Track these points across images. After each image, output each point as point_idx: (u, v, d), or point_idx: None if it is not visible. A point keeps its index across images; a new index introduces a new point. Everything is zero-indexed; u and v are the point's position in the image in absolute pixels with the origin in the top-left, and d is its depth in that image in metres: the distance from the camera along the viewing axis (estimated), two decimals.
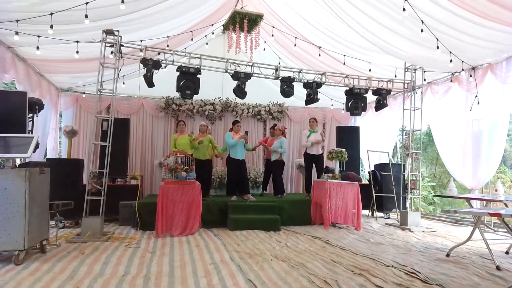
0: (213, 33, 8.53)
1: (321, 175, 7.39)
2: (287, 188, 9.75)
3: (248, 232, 6.17)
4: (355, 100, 7.56)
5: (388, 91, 7.75)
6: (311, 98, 7.40)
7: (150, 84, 6.25)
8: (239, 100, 9.63)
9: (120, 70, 6.15)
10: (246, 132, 7.58)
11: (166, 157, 6.48)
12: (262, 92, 9.78)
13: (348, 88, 7.64)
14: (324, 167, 7.69)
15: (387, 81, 7.88)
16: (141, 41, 6.73)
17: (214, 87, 9.59)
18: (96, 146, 6.89)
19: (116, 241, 5.32)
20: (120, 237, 5.57)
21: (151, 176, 9.43)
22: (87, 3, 5.27)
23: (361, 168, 10.25)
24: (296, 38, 7.87)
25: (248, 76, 6.78)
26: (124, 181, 8.00)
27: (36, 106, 5.89)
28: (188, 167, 6.19)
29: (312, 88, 7.29)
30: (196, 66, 6.45)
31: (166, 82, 7.96)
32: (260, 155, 9.91)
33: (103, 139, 6.21)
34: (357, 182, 7.04)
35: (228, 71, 6.80)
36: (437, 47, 5.88)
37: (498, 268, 4.13)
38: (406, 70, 7.68)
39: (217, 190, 8.92)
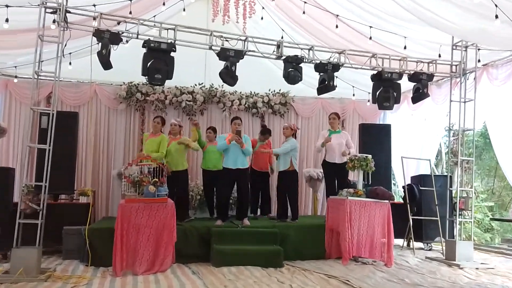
0: None
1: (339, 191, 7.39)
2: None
3: (239, 269, 6.12)
4: (385, 89, 7.55)
5: (430, 76, 7.76)
6: (325, 85, 7.39)
7: (106, 65, 6.19)
8: (228, 88, 9.58)
9: (65, 46, 6.10)
10: (238, 132, 7.47)
11: (128, 166, 6.44)
12: (259, 76, 9.77)
13: (375, 72, 7.62)
14: None
15: (428, 63, 7.89)
16: (94, 5, 6.70)
17: (194, 69, 9.56)
18: (32, 150, 6.82)
19: (59, 282, 5.26)
20: (64, 276, 5.51)
21: (107, 191, 9.39)
22: None
23: (393, 182, 10.26)
24: (305, 3, 7.86)
25: (240, 54, 6.75)
26: (70, 199, 7.92)
27: None
28: (157, 179, 6.15)
29: (327, 72, 7.28)
30: (169, 41, 6.41)
31: (128, 63, 7.88)
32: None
33: (42, 141, 6.16)
34: (387, 201, 7.03)
35: (213, 47, 6.78)
36: (496, 16, 5.88)
37: None
38: (454, 47, 7.70)
39: (197, 212, 8.89)
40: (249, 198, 7.64)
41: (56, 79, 5.93)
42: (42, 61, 6.05)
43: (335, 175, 7.93)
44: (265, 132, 8.59)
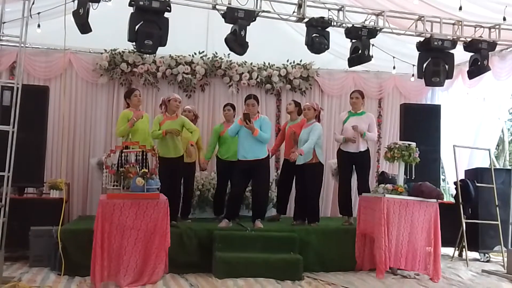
0: None
1: (366, 187, 7.40)
2: None
3: (247, 282, 6.18)
4: (435, 60, 7.52)
5: (492, 45, 7.71)
6: (358, 56, 7.37)
7: (84, 28, 6.23)
8: (235, 58, 9.61)
9: (33, 3, 6.13)
10: (247, 115, 7.45)
11: (110, 153, 6.48)
12: (275, 44, 9.78)
13: (422, 39, 7.58)
14: (377, 173, 7.72)
15: (489, 28, 7.83)
16: None
17: (194, 34, 9.57)
18: None
19: None
20: (31, 287, 5.55)
21: (85, 184, 9.46)
22: None
23: (442, 176, 10.24)
24: None
25: (251, 16, 6.75)
26: (39, 193, 8.01)
27: None
28: (147, 170, 6.20)
29: (361, 38, 7.26)
30: None
31: (110, 26, 7.93)
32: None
33: (4, 121, 6.22)
34: (435, 200, 7.03)
35: (218, 6, 6.78)
36: None
37: None
38: None
39: (195, 210, 8.95)
40: (264, 196, 7.67)
41: (22, 45, 5.96)
42: (3, 23, 6.08)
43: (350, 168, 7.95)
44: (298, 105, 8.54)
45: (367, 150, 7.92)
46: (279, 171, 9.30)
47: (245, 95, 9.70)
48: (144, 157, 6.40)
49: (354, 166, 7.97)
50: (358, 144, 7.82)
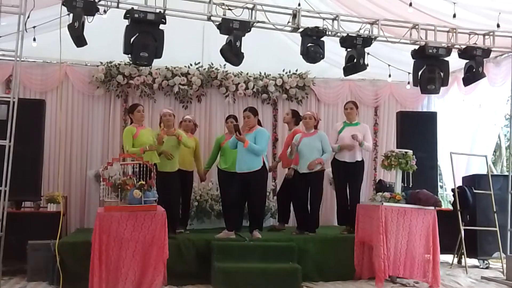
0: None
1: (357, 197, 7.43)
2: None
3: None
4: (430, 67, 7.54)
5: (486, 52, 7.73)
6: (354, 64, 7.38)
7: (79, 40, 6.23)
8: (231, 68, 9.63)
9: (28, 17, 6.14)
10: (236, 126, 7.46)
11: (108, 165, 6.48)
12: (271, 54, 9.79)
13: (417, 47, 7.61)
14: (376, 181, 7.73)
15: (483, 35, 7.86)
16: None
17: (189, 46, 9.60)
18: None
19: None
20: None
21: (82, 197, 9.46)
22: None
23: (440, 183, 10.25)
24: None
25: (246, 26, 6.76)
26: (37, 207, 8.00)
27: None
28: (144, 182, 6.20)
29: (356, 47, 7.27)
30: (157, 10, 6.44)
31: (106, 38, 7.94)
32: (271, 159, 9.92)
33: (0, 135, 6.23)
34: (432, 207, 7.04)
35: (213, 18, 6.80)
36: None
37: None
38: None
39: (193, 221, 8.94)
40: (260, 207, 7.69)
41: (18, 58, 5.99)
42: (0, 37, 6.11)
43: (346, 177, 7.98)
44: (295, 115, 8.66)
45: (362, 161, 7.97)
46: (276, 181, 9.32)
47: (241, 105, 9.86)
48: (142, 169, 6.40)
49: (347, 175, 7.98)
50: (354, 153, 7.86)
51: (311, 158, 7.72)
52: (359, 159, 7.91)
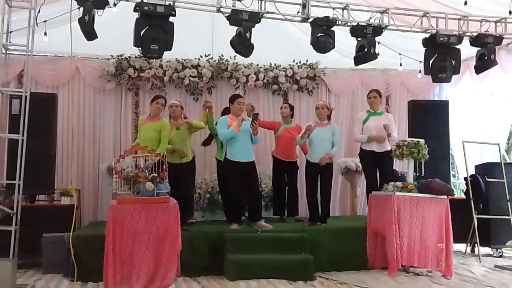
0: None
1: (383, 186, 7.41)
2: None
3: (260, 283, 6.21)
4: (441, 56, 7.51)
5: (498, 39, 7.70)
6: (364, 54, 7.37)
7: (90, 34, 6.26)
8: (241, 60, 9.63)
9: (39, 12, 6.17)
10: (256, 116, 7.51)
11: (120, 158, 6.51)
12: (281, 44, 9.77)
13: (428, 35, 7.57)
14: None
15: (495, 22, 7.81)
16: None
17: (199, 38, 9.59)
18: (2, 141, 6.95)
19: None
20: None
21: (95, 190, 9.53)
22: None
23: (452, 172, 10.21)
24: None
25: (255, 17, 6.77)
26: (50, 200, 8.07)
27: None
28: (156, 175, 6.22)
29: (367, 36, 7.26)
30: (167, 3, 6.45)
31: (116, 31, 7.94)
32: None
33: (13, 129, 6.27)
34: (445, 196, 7.02)
35: (222, 9, 6.80)
36: None
37: None
38: None
39: (205, 213, 8.97)
40: (261, 196, 7.86)
41: (29, 53, 6.01)
42: (10, 32, 6.13)
43: (375, 167, 7.93)
44: (292, 109, 8.68)
45: (390, 150, 7.89)
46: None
47: (252, 96, 9.83)
48: (154, 161, 6.42)
49: (378, 164, 7.93)
50: (384, 143, 7.82)
51: (321, 148, 7.70)
52: (388, 148, 7.79)
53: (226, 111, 7.95)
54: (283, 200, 8.70)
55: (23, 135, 5.88)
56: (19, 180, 5.85)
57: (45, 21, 7.92)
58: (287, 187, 8.60)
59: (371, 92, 8.14)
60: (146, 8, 6.33)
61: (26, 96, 5.92)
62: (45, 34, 8.15)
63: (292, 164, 8.52)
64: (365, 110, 8.20)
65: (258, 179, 7.74)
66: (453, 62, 7.53)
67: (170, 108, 7.75)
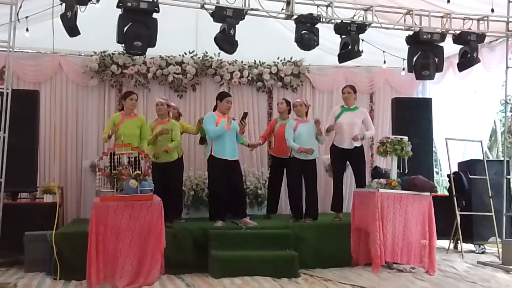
0: None
1: (363, 182, 7.44)
2: None
3: (244, 280, 6.20)
4: (424, 53, 7.56)
5: (481, 37, 7.75)
6: (348, 51, 7.40)
7: (72, 30, 6.22)
8: (225, 56, 9.62)
9: (20, 7, 6.13)
10: (245, 114, 7.56)
11: (103, 155, 6.49)
12: (265, 41, 9.77)
13: (411, 33, 7.61)
14: (371, 168, 7.74)
15: (478, 20, 7.87)
16: None
17: (183, 34, 9.59)
18: None
19: None
20: None
21: (78, 188, 9.47)
22: None
23: (435, 169, 10.28)
24: None
25: (239, 14, 6.76)
26: (32, 198, 8.01)
27: None
28: (139, 172, 6.20)
29: (350, 34, 7.29)
30: None
31: (99, 27, 7.91)
32: (264, 147, 9.93)
33: None
34: (428, 193, 7.07)
35: (206, 6, 6.79)
36: None
37: None
38: None
39: (190, 210, 8.96)
40: (245, 193, 7.91)
41: (10, 49, 5.96)
42: None
43: (344, 164, 8.02)
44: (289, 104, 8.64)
45: (362, 146, 7.94)
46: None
47: (236, 93, 9.84)
48: (137, 159, 6.41)
49: (349, 162, 8.02)
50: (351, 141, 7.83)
51: (309, 145, 7.71)
52: (358, 144, 7.83)
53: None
54: (277, 198, 8.78)
55: (4, 132, 5.84)
56: (1, 177, 5.81)
57: (26, 17, 7.86)
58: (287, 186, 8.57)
59: (345, 88, 8.16)
60: (129, 4, 6.29)
61: (7, 93, 5.89)
62: (27, 30, 8.08)
63: (289, 160, 8.43)
64: (339, 105, 8.22)
65: (242, 177, 7.75)
66: (436, 59, 7.59)
67: (156, 106, 7.76)
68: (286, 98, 9.11)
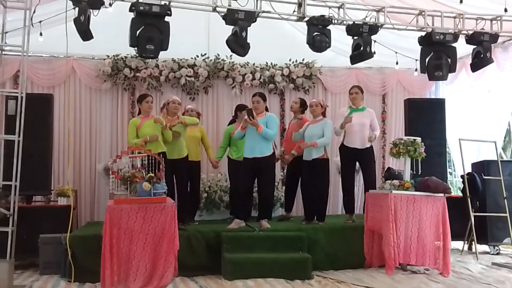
0: None
1: (373, 183, 7.41)
2: None
3: (257, 282, 6.21)
4: (437, 54, 7.53)
5: (494, 37, 7.72)
6: (360, 52, 7.39)
7: (85, 34, 6.26)
8: (237, 59, 9.63)
9: (34, 12, 6.17)
10: (250, 110, 7.42)
11: (117, 158, 6.52)
12: (277, 44, 9.78)
13: (424, 34, 7.59)
14: (384, 169, 7.73)
15: (491, 20, 7.83)
16: None
17: (195, 37, 9.60)
18: None
19: None
20: None
21: (92, 191, 9.52)
22: None
23: (449, 170, 10.23)
24: None
25: (251, 17, 6.78)
26: (47, 201, 8.05)
27: None
28: (153, 174, 6.23)
29: (362, 35, 7.28)
30: (162, 3, 6.46)
31: (112, 31, 7.96)
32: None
33: (9, 130, 6.28)
34: (442, 194, 7.04)
35: (218, 8, 6.82)
36: None
37: None
38: None
39: (203, 212, 8.98)
40: (270, 195, 7.72)
41: (24, 54, 6.01)
42: (6, 32, 6.13)
43: (354, 164, 8.01)
44: (302, 105, 8.56)
45: (371, 146, 7.93)
46: (285, 171, 9.31)
47: (248, 96, 9.80)
48: (150, 161, 6.43)
49: (358, 162, 8.01)
50: (363, 140, 7.83)
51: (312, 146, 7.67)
52: (368, 145, 7.86)
53: (240, 107, 8.17)
54: (293, 198, 8.73)
55: (19, 136, 5.89)
56: (16, 181, 5.85)
57: (40, 22, 7.94)
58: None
59: (352, 88, 8.17)
60: (141, 7, 6.34)
61: (22, 97, 5.93)
62: (41, 34, 8.17)
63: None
64: (346, 106, 8.22)
65: (271, 176, 7.54)
66: (449, 60, 7.56)
67: (172, 104, 7.70)
68: (302, 98, 9.07)
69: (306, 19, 7.14)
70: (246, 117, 7.24)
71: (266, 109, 7.74)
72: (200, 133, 8.40)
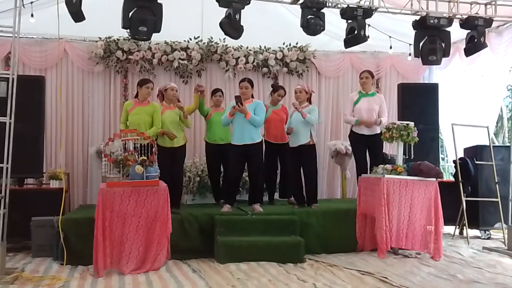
0: None
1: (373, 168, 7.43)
2: None
3: (250, 265, 6.22)
4: (431, 38, 7.52)
5: (488, 22, 7.72)
6: (354, 36, 7.37)
7: (77, 16, 6.21)
8: (231, 42, 9.59)
9: None
10: (238, 97, 7.36)
11: (109, 141, 6.50)
12: (271, 27, 9.73)
13: (418, 18, 7.57)
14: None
15: (485, 4, 7.82)
16: None
17: (188, 20, 9.55)
18: None
19: (28, 284, 5.35)
20: (34, 277, 5.60)
21: (84, 173, 9.52)
22: None
23: (441, 155, 10.25)
24: None
25: None
26: (39, 183, 8.05)
27: None
28: (145, 158, 6.21)
29: (357, 19, 7.26)
30: None
31: (104, 13, 7.89)
32: None
33: (1, 112, 6.23)
34: (434, 179, 7.06)
35: None
36: None
37: None
38: None
39: (195, 196, 8.98)
40: (261, 180, 7.73)
41: (16, 35, 5.94)
42: None
43: (365, 150, 8.01)
44: (278, 89, 8.55)
45: (380, 133, 7.90)
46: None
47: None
48: (143, 145, 6.41)
49: (367, 148, 8.03)
50: (373, 126, 7.88)
51: (299, 132, 7.65)
52: (378, 131, 7.88)
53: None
54: (275, 184, 8.74)
55: (10, 118, 5.84)
56: (7, 163, 5.82)
57: (31, 2, 7.86)
58: (279, 169, 8.59)
59: (363, 73, 8.19)
60: None
61: (13, 79, 5.87)
62: (32, 15, 8.09)
63: (285, 146, 8.39)
64: (356, 91, 8.20)
65: (260, 161, 7.58)
66: (443, 44, 7.57)
67: (171, 91, 7.66)
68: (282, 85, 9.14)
69: (300, 1, 7.11)
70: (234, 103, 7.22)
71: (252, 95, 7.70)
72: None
